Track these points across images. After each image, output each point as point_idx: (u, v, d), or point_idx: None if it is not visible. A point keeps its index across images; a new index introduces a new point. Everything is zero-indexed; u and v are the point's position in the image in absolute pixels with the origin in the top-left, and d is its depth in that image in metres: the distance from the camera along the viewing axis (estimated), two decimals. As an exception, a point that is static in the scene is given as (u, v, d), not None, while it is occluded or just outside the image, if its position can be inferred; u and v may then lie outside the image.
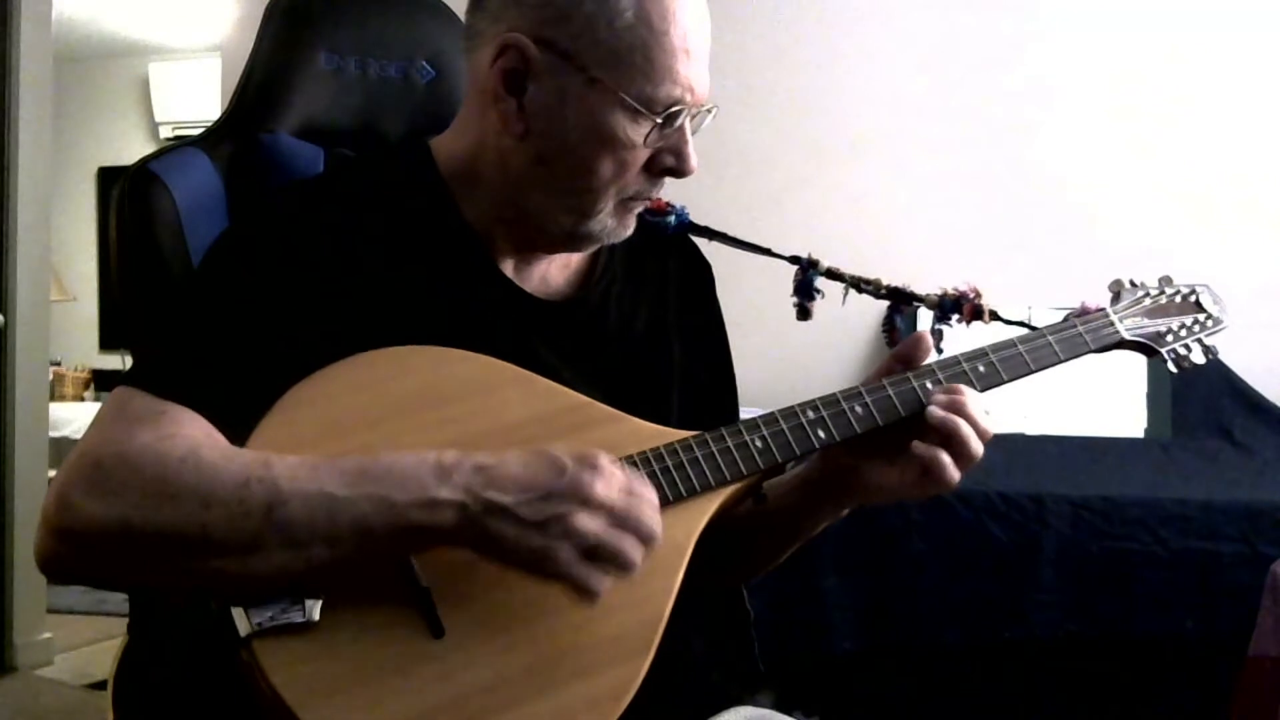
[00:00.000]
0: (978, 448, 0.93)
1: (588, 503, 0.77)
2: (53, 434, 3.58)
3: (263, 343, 0.85)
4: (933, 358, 1.00)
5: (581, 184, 0.93)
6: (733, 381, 1.15)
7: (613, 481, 0.78)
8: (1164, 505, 1.99)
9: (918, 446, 0.93)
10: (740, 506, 0.96)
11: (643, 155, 0.93)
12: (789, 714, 1.05)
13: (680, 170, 0.95)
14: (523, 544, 0.76)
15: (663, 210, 1.09)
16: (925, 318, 1.37)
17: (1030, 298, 2.59)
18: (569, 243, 0.99)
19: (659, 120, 0.91)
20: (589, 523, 0.77)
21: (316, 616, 0.76)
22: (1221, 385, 2.58)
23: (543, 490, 0.77)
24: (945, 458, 0.92)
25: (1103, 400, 2.58)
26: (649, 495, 0.80)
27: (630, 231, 0.99)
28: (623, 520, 0.78)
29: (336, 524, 0.75)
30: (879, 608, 2.05)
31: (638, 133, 0.91)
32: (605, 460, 0.79)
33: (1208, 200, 2.76)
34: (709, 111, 0.96)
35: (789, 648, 2.05)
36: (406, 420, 0.84)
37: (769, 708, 1.06)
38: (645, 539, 0.79)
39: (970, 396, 0.95)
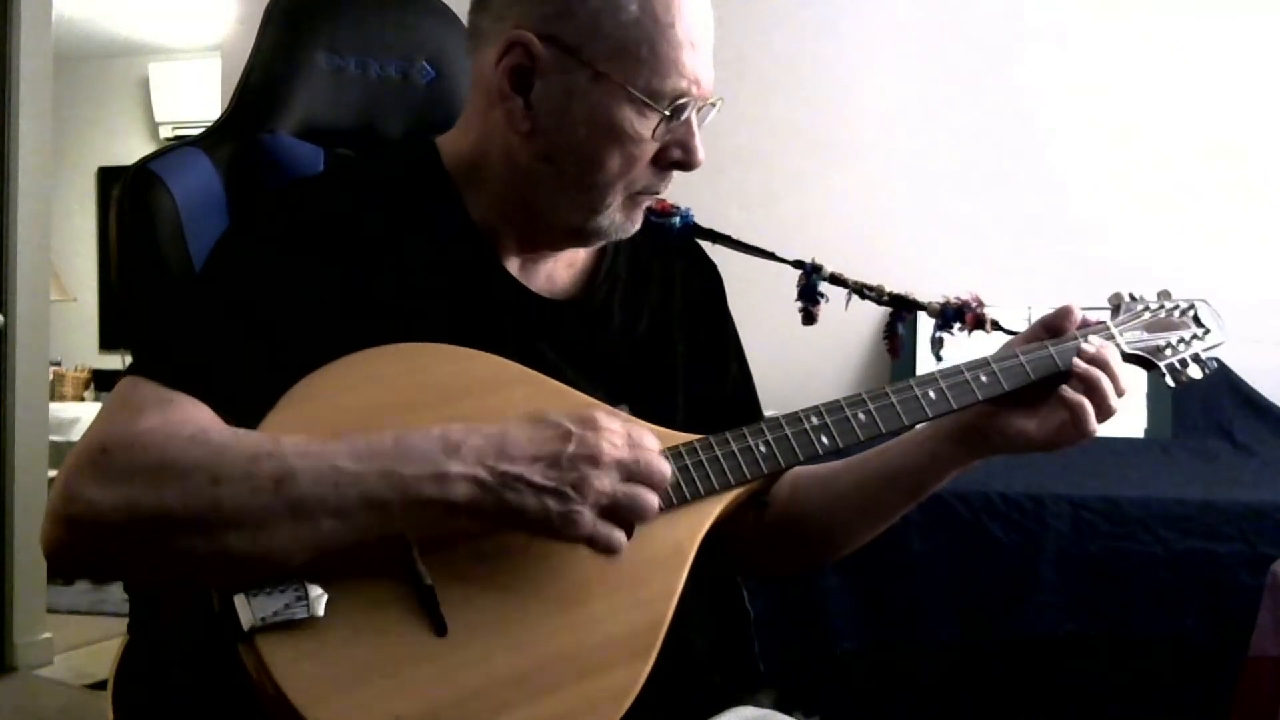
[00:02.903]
0: (1115, 402, 0.97)
1: (599, 462, 0.79)
2: (52, 435, 3.58)
3: (269, 337, 0.86)
4: (935, 366, 1.01)
5: (589, 179, 0.93)
6: (750, 381, 1.15)
7: (616, 436, 0.80)
8: (1164, 505, 1.99)
9: (1066, 391, 0.96)
10: (746, 514, 0.96)
11: (650, 149, 0.93)
12: (789, 714, 1.05)
13: (688, 163, 0.95)
14: (544, 512, 0.78)
15: (668, 212, 1.09)
16: (927, 325, 1.37)
17: (1031, 299, 2.60)
18: (577, 238, 0.99)
19: (666, 113, 0.91)
20: (604, 481, 0.79)
21: (320, 612, 0.76)
22: (1221, 385, 2.58)
23: (553, 456, 0.78)
24: (1090, 406, 0.96)
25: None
26: (649, 440, 0.83)
27: (638, 226, 1.00)
28: (634, 472, 0.80)
29: (345, 497, 0.76)
30: (879, 607, 2.05)
31: (645, 126, 0.91)
32: (603, 417, 0.81)
33: (1208, 201, 2.76)
34: (714, 105, 0.96)
35: (789, 648, 2.05)
36: (412, 417, 0.84)
37: (769, 708, 1.06)
38: (657, 484, 0.81)
39: (1112, 353, 1.00)
